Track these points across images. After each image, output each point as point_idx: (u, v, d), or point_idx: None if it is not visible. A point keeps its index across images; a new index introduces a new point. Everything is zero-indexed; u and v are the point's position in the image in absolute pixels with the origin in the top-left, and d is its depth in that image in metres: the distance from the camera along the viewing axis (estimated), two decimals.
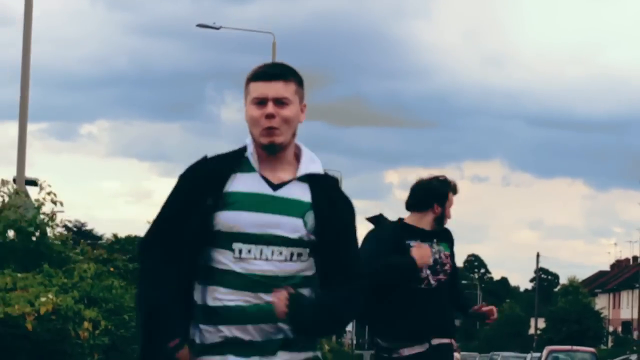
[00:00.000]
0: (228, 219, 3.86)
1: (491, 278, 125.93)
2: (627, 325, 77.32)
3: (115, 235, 22.74)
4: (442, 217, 6.47)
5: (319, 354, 4.01)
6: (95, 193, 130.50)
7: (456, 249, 6.69)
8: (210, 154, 4.00)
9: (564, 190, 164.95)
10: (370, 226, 6.60)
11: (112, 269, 14.04)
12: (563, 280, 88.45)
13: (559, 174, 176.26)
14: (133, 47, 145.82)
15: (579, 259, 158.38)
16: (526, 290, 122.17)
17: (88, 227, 54.91)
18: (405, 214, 6.61)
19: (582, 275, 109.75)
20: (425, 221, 6.46)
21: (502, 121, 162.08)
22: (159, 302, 3.86)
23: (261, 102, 3.90)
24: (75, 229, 49.26)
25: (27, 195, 15.81)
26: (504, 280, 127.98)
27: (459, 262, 6.97)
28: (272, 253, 3.86)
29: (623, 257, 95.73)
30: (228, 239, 3.86)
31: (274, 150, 3.91)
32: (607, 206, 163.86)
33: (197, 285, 3.89)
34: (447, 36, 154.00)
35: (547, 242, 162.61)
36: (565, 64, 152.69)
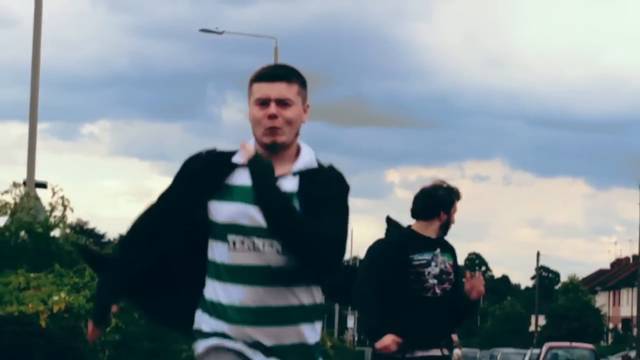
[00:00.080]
0: (222, 211, 3.92)
1: (492, 276, 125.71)
2: (627, 322, 77.42)
3: (121, 235, 22.93)
4: (447, 224, 6.57)
5: (311, 339, 4.02)
6: (96, 192, 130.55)
7: (457, 247, 6.79)
8: (219, 149, 4.08)
9: (564, 189, 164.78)
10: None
11: None
12: (564, 278, 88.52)
13: (560, 173, 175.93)
14: (134, 48, 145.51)
15: (579, 257, 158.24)
16: (527, 288, 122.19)
17: (90, 226, 55.21)
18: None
19: (583, 273, 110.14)
20: (431, 229, 6.56)
21: (503, 121, 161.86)
22: (109, 271, 4.11)
23: (264, 102, 3.94)
24: (77, 228, 49.44)
25: (37, 198, 16.14)
26: (505, 278, 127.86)
27: (460, 260, 7.08)
28: (264, 245, 3.89)
29: (623, 256, 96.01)
30: (223, 231, 3.93)
31: (275, 149, 3.95)
32: (607, 205, 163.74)
33: (206, 278, 4.01)
34: (448, 37, 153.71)
35: (548, 240, 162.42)
36: (565, 64, 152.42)
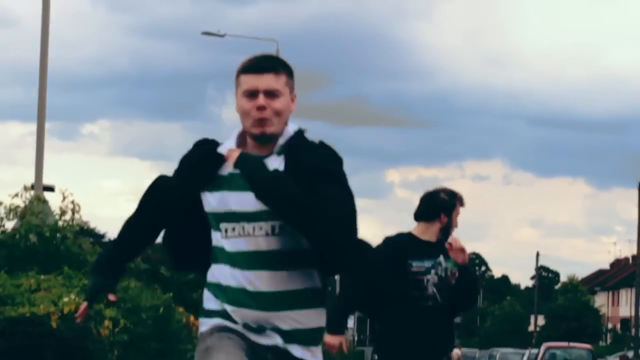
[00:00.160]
0: (212, 201, 3.99)
1: (492, 276, 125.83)
2: (625, 322, 77.53)
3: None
4: (448, 227, 6.62)
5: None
6: (96, 192, 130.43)
7: None
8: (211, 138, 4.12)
9: (564, 189, 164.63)
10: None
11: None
12: (564, 278, 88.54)
13: (560, 173, 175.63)
14: (134, 48, 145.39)
15: (579, 257, 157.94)
16: (527, 287, 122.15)
17: (90, 226, 55.25)
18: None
19: (583, 273, 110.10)
20: (431, 231, 6.61)
21: (503, 121, 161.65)
22: (119, 243, 4.14)
23: (252, 94, 3.94)
24: (78, 228, 49.46)
25: (44, 202, 16.43)
26: (504, 278, 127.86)
27: None
28: (254, 229, 3.91)
29: (622, 256, 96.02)
30: (217, 220, 3.99)
31: (265, 140, 3.97)
32: (607, 205, 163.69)
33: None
34: (448, 37, 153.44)
35: (548, 240, 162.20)
36: (566, 64, 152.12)
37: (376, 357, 6.70)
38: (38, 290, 12.13)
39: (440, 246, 6.60)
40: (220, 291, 4.00)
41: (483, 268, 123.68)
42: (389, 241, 6.63)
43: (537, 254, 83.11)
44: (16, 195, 15.37)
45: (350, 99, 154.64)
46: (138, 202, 4.17)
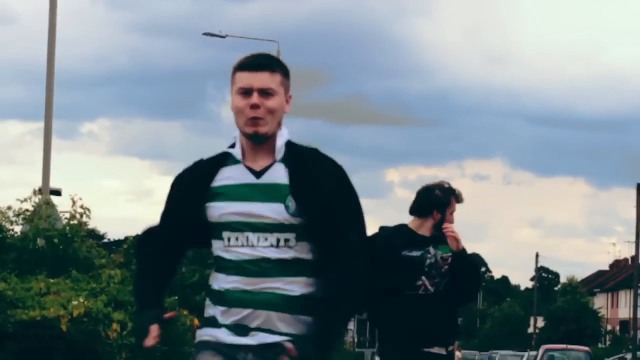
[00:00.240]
0: (215, 211, 3.95)
1: (492, 277, 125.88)
2: (624, 324, 77.62)
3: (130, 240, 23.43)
4: (441, 224, 6.55)
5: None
6: (96, 191, 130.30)
7: None
8: (205, 157, 4.09)
9: (564, 188, 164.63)
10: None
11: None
12: (564, 278, 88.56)
13: (560, 173, 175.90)
14: (133, 46, 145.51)
15: (579, 258, 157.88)
16: (527, 288, 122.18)
17: (90, 226, 55.24)
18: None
19: (583, 273, 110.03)
20: (425, 227, 6.59)
21: (503, 120, 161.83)
22: (143, 285, 4.09)
23: (246, 92, 3.90)
24: (86, 232, 49.45)
25: (52, 206, 16.68)
26: (504, 279, 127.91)
27: None
28: (258, 239, 3.90)
29: (622, 257, 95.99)
30: (219, 229, 3.97)
31: (258, 139, 3.93)
32: (608, 205, 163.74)
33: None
34: (448, 35, 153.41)
35: (548, 240, 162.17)
36: (566, 62, 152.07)
37: (377, 359, 6.74)
38: (48, 294, 12.35)
39: (433, 239, 6.58)
40: (217, 296, 4.01)
41: (483, 269, 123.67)
42: (381, 235, 6.63)
43: (537, 255, 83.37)
44: (25, 200, 15.65)
45: (350, 97, 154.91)
46: (138, 256, 4.20)
